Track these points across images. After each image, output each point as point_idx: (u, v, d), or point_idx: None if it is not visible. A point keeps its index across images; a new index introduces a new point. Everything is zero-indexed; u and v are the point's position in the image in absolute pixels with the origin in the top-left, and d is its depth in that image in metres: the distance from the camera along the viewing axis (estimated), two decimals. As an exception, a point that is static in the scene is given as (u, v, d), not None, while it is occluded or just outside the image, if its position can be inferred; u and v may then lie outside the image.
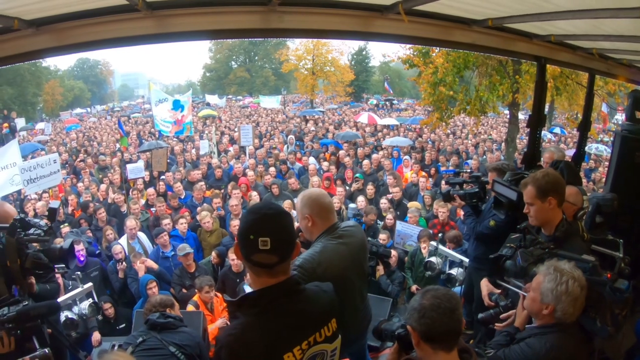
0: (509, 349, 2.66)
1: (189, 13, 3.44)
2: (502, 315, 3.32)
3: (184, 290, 6.47)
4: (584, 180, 13.21)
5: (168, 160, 13.44)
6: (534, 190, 3.16)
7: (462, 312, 2.12)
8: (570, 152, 11.38)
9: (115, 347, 3.68)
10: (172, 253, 7.08)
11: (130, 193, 10.14)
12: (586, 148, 9.21)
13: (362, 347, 3.68)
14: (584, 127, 6.60)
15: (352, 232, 3.23)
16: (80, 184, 12.06)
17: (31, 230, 3.30)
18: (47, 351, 2.80)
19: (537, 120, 5.61)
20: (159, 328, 3.66)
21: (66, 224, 8.31)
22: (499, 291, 3.56)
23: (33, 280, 3.52)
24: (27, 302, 3.07)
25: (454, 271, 6.27)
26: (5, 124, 24.33)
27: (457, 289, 6.26)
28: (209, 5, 3.48)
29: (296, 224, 3.22)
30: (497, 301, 3.44)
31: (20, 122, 30.15)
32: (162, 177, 11.84)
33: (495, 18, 4.23)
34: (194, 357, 3.60)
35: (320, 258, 2.96)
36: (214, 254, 7.23)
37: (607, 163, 12.94)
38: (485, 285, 3.74)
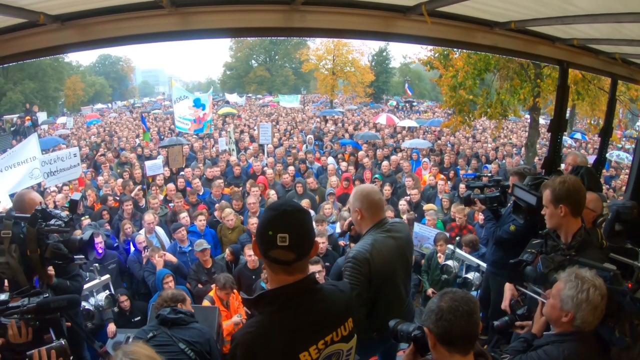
0: (526, 356, 2.62)
1: (212, 11, 3.47)
2: (517, 323, 3.29)
3: (200, 286, 6.51)
4: (604, 187, 13.01)
5: (187, 157, 13.54)
6: (549, 194, 3.16)
7: (479, 316, 2.10)
8: (591, 159, 11.21)
9: (130, 339, 3.73)
10: (190, 248, 7.13)
11: (150, 188, 10.25)
12: (607, 155, 9.05)
13: (395, 345, 3.70)
14: (606, 133, 6.50)
15: (399, 228, 3.45)
16: (100, 178, 12.19)
17: (52, 221, 3.35)
18: (63, 342, 2.82)
19: (559, 125, 5.54)
20: (170, 324, 3.69)
21: (86, 217, 8.45)
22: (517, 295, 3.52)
23: (52, 271, 3.58)
24: (47, 295, 3.10)
25: (470, 275, 6.23)
26: (28, 117, 24.79)
27: (474, 294, 6.22)
28: (232, 3, 3.51)
29: (349, 218, 3.59)
30: (514, 307, 3.40)
31: (42, 116, 30.64)
32: (182, 172, 11.97)
33: (518, 20, 4.19)
34: (203, 354, 3.61)
35: (371, 250, 3.16)
36: (227, 251, 7.24)
37: (627, 171, 12.72)
38: (509, 289, 3.70)
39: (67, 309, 3.17)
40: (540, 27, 4.47)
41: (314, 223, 7.34)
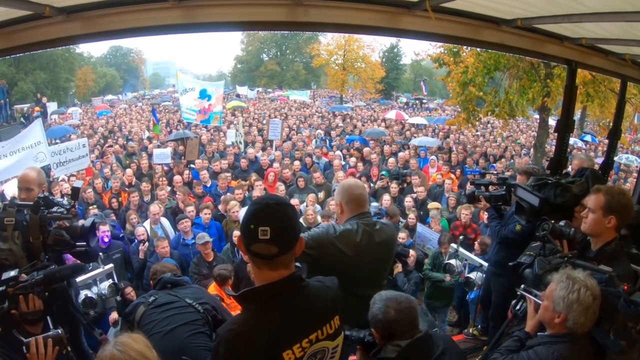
0: (517, 355, 2.61)
1: (216, 4, 3.51)
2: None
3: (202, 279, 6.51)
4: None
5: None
6: (603, 200, 3.00)
7: (418, 315, 2.64)
8: (600, 161, 11.07)
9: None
10: (193, 241, 7.11)
11: (158, 180, 10.30)
12: (616, 158, 8.92)
13: None
14: (614, 135, 6.39)
15: (380, 226, 3.21)
16: (107, 170, 12.24)
17: (54, 209, 3.42)
18: (60, 332, 2.86)
19: (566, 126, 5.47)
20: (170, 285, 3.57)
21: (94, 206, 8.53)
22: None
23: None
24: (53, 266, 3.18)
25: (473, 275, 6.20)
26: (37, 107, 25.13)
27: (475, 293, 6.20)
28: (235, -3, 3.54)
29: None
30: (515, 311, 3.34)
31: (52, 107, 30.89)
32: (192, 165, 12.00)
33: (525, 18, 4.17)
34: (210, 310, 3.56)
35: (338, 229, 3.03)
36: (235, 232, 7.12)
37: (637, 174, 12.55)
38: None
39: (71, 276, 3.31)
40: (548, 25, 4.43)
41: (318, 218, 7.42)
